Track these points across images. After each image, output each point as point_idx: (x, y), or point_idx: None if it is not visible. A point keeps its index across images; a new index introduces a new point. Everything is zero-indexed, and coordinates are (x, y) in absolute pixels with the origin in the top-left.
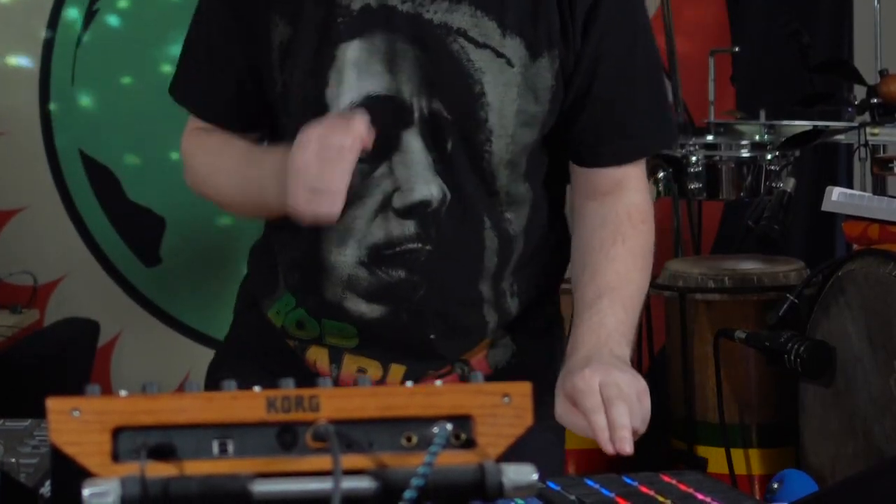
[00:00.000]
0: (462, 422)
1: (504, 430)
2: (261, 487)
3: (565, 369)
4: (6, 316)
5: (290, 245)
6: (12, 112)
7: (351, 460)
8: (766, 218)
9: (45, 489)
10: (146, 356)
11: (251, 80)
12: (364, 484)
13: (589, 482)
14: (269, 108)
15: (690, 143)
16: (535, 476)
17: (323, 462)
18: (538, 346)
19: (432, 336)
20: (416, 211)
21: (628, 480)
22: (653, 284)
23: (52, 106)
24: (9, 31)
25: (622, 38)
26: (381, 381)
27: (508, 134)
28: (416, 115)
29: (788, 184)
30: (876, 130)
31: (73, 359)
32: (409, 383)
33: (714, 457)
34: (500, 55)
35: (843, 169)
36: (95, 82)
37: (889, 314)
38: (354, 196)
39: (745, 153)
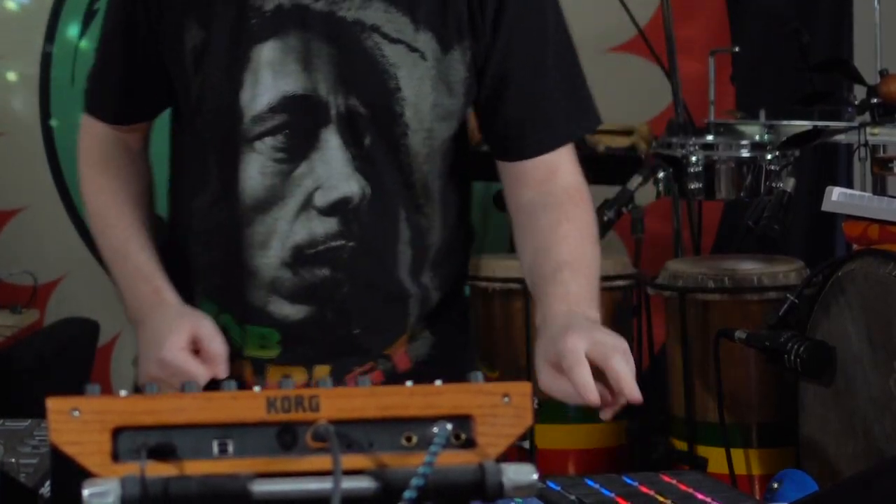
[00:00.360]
0: (462, 422)
1: (504, 429)
2: (260, 487)
3: (544, 338)
4: (6, 316)
5: (206, 249)
6: (12, 113)
7: (351, 460)
8: (766, 218)
9: (45, 489)
10: None
11: (149, 82)
12: (364, 484)
13: (589, 482)
14: (160, 105)
15: (690, 143)
16: (535, 476)
17: (323, 462)
18: (456, 338)
19: (356, 331)
20: (338, 208)
21: (628, 480)
22: (653, 284)
23: (52, 92)
24: (9, 36)
25: (533, 28)
26: (307, 385)
27: (425, 128)
28: (333, 112)
29: (788, 184)
30: (876, 130)
31: (73, 359)
32: (409, 383)
33: (714, 457)
34: (413, 49)
35: (843, 169)
36: None
37: (889, 314)
38: (276, 197)
39: (745, 153)
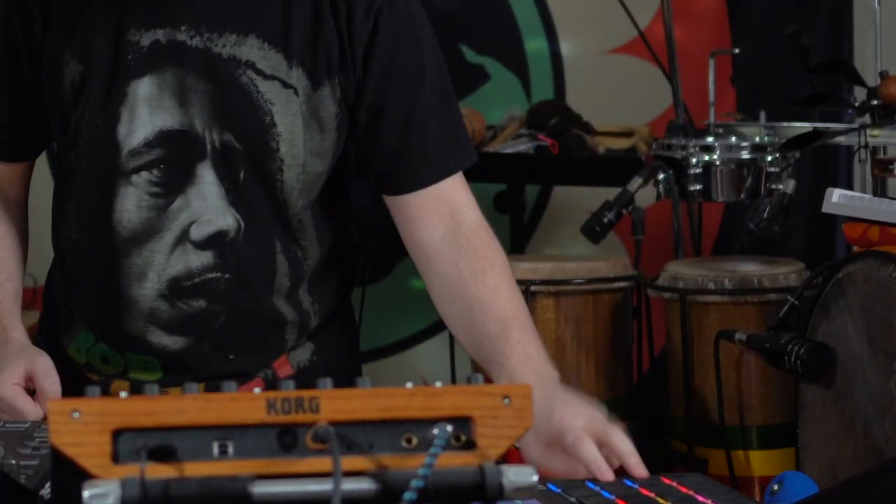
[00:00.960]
0: (462, 423)
1: (504, 431)
2: (261, 489)
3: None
4: None
5: (83, 280)
6: None
7: (351, 462)
8: (767, 219)
9: (46, 491)
10: None
11: (32, 115)
12: (364, 485)
13: (589, 484)
14: (43, 140)
15: (690, 144)
16: (535, 478)
17: (323, 463)
18: (337, 343)
19: (232, 357)
20: (214, 241)
21: (629, 483)
22: (653, 286)
23: None
24: None
25: (408, 60)
26: None
27: (299, 163)
28: (209, 147)
29: (788, 185)
30: (876, 132)
31: None
32: (409, 384)
33: (714, 458)
34: (287, 86)
35: (843, 170)
36: None
37: (889, 316)
38: (152, 230)
39: (745, 155)
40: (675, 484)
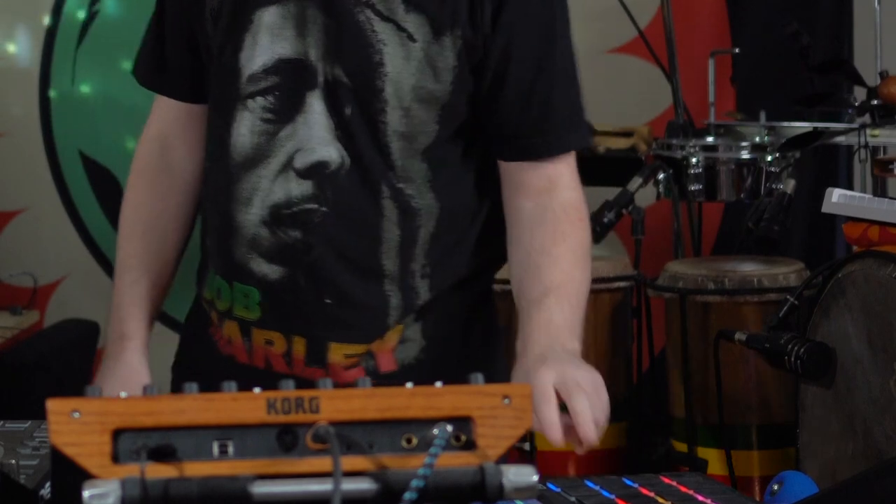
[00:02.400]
0: (462, 423)
1: (504, 431)
2: (261, 489)
3: (517, 369)
4: (6, 317)
5: (209, 209)
6: (12, 113)
7: (351, 462)
8: (766, 219)
9: (45, 491)
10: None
11: (194, 54)
12: (364, 485)
13: (589, 484)
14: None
15: (690, 144)
16: (535, 477)
17: (323, 463)
18: (451, 345)
19: (328, 301)
20: (315, 171)
21: (628, 482)
22: (653, 286)
23: (52, 93)
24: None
25: (538, 30)
26: (287, 355)
27: (403, 106)
28: (321, 79)
29: (788, 185)
30: (876, 132)
31: (73, 360)
32: (409, 384)
33: (714, 458)
34: (401, 29)
35: (843, 170)
36: (96, 72)
37: (889, 316)
38: (261, 156)
39: (745, 154)
40: (675, 483)
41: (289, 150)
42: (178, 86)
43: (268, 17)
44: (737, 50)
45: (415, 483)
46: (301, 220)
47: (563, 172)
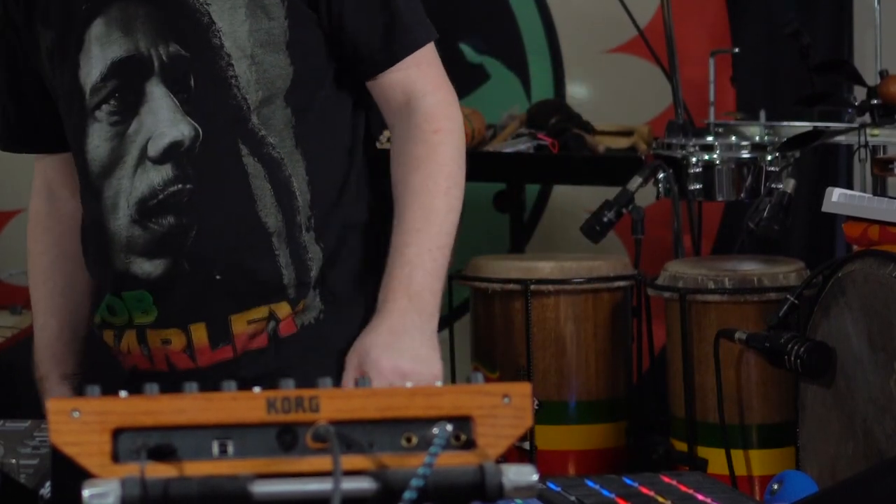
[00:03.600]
0: (462, 422)
1: (504, 430)
2: (261, 488)
3: (362, 338)
4: (6, 316)
5: (85, 232)
6: None
7: (351, 461)
8: (766, 219)
9: (46, 490)
10: None
11: (47, 102)
12: (364, 484)
13: (589, 483)
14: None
15: (690, 143)
16: (535, 477)
17: (323, 463)
18: (348, 301)
19: (218, 277)
20: (170, 154)
21: (628, 481)
22: (653, 285)
23: None
24: None
25: None
26: (188, 348)
27: (247, 55)
28: (157, 63)
29: (788, 185)
30: (876, 131)
31: None
32: (408, 384)
33: (714, 457)
34: None
35: (843, 170)
36: None
37: (889, 315)
38: (116, 159)
39: (745, 154)
40: (675, 482)
41: (140, 142)
42: (42, 141)
43: (95, 30)
44: (737, 50)
45: (415, 482)
46: (170, 204)
47: (416, 78)
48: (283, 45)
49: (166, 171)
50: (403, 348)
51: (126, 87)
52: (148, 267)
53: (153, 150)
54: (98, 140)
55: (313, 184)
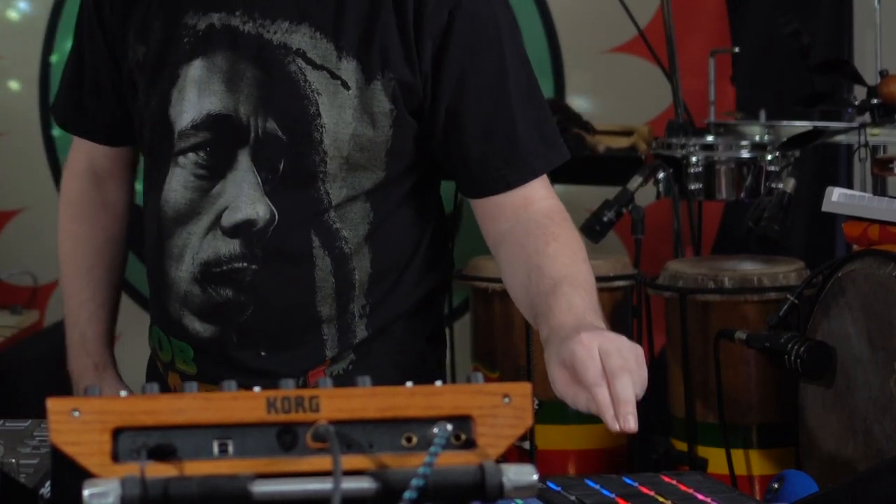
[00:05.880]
0: (462, 422)
1: (504, 430)
2: (261, 488)
3: (556, 340)
4: (6, 316)
5: (147, 260)
6: (13, 114)
7: (351, 461)
8: (766, 218)
9: (45, 489)
10: (146, 356)
11: (116, 99)
12: (364, 484)
13: (589, 482)
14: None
15: (690, 143)
16: (535, 476)
17: (323, 462)
18: (379, 366)
19: (263, 353)
20: (241, 230)
21: (628, 481)
22: (653, 285)
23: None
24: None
25: (489, 59)
26: None
27: (342, 156)
28: (252, 134)
29: (788, 184)
30: (876, 131)
31: None
32: (409, 384)
33: (714, 457)
34: (335, 77)
35: (843, 169)
36: None
37: (889, 315)
38: (193, 212)
39: (745, 154)
40: (675, 482)
41: (218, 207)
42: (96, 131)
43: (194, 71)
44: (737, 49)
45: (415, 482)
46: (231, 278)
47: (536, 188)
48: (382, 154)
49: (234, 245)
50: (600, 329)
51: (219, 145)
52: (199, 326)
53: (226, 221)
54: (178, 185)
55: (374, 275)
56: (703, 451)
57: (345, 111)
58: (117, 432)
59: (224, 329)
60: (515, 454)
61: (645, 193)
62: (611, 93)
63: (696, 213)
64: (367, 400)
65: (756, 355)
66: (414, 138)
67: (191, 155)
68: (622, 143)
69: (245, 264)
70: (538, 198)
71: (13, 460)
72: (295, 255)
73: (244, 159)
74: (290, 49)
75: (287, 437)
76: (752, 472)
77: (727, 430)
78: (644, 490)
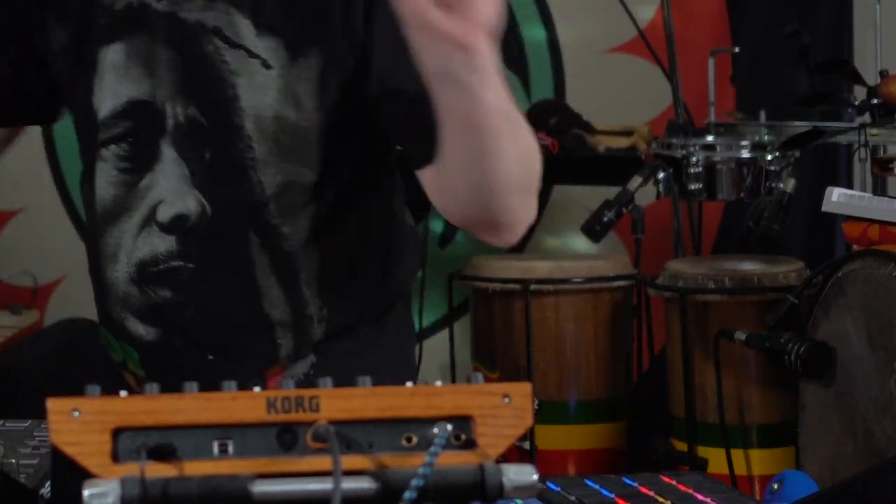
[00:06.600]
0: (462, 422)
1: (504, 430)
2: (261, 488)
3: None
4: (6, 316)
5: (88, 263)
6: None
7: (351, 461)
8: (766, 218)
9: (46, 490)
10: None
11: (23, 80)
12: (364, 484)
13: (589, 483)
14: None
15: (690, 143)
16: (535, 477)
17: (323, 462)
18: (343, 365)
19: (210, 358)
20: (176, 226)
21: (628, 481)
22: (652, 285)
23: None
24: None
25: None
26: None
27: (269, 142)
28: (171, 122)
29: (788, 184)
30: (876, 131)
31: (73, 360)
32: (408, 384)
33: (714, 457)
34: (253, 55)
35: (843, 169)
36: None
37: (889, 315)
38: (121, 210)
39: (745, 154)
40: (674, 482)
41: (150, 202)
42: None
43: (112, 55)
44: (737, 49)
45: (415, 482)
46: (168, 278)
47: None
48: (314, 140)
49: (171, 242)
50: None
51: (141, 135)
52: (141, 329)
53: (162, 216)
54: (102, 181)
55: (327, 277)
56: (703, 451)
57: (266, 93)
58: (117, 432)
59: (166, 331)
60: (515, 454)
61: (645, 193)
62: (611, 92)
63: (697, 212)
64: (367, 400)
65: (756, 355)
66: (352, 121)
67: (112, 147)
68: (622, 143)
69: (182, 263)
70: None
71: (13, 460)
72: (231, 253)
73: (168, 149)
74: (205, 28)
75: (287, 437)
76: (753, 472)
77: (727, 430)
78: (644, 490)
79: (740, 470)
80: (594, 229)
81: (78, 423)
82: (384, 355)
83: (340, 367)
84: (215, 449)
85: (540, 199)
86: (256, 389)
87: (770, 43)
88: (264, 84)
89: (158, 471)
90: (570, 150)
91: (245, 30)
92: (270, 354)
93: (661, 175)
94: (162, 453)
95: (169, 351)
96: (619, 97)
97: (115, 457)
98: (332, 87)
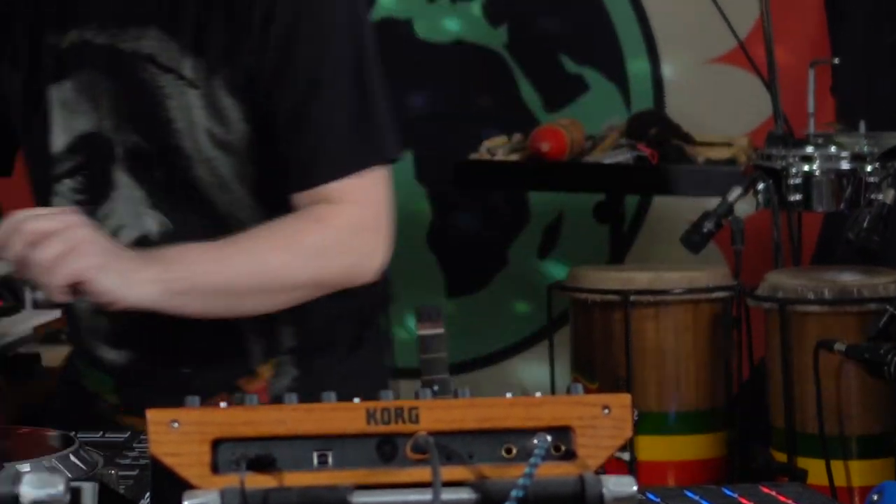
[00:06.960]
0: (562, 433)
1: (604, 441)
2: (360, 499)
3: None
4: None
5: None
6: None
7: (450, 472)
8: (866, 229)
9: (145, 501)
10: None
11: None
12: (464, 495)
13: (689, 493)
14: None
15: (790, 154)
16: (634, 488)
17: (422, 473)
18: (329, 372)
19: (186, 371)
20: (138, 248)
21: (728, 492)
22: (753, 296)
23: None
24: None
25: (305, 49)
26: None
27: (205, 158)
28: (120, 150)
29: (888, 195)
30: None
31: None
32: (508, 394)
33: (814, 468)
34: (181, 77)
35: None
36: None
37: None
38: None
39: (844, 165)
40: (774, 493)
41: (110, 229)
42: None
43: (61, 92)
44: (836, 60)
45: (515, 493)
46: None
47: (347, 190)
48: (246, 155)
49: None
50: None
51: (93, 167)
52: (112, 355)
53: (125, 241)
54: None
55: None
56: (802, 461)
57: (192, 112)
58: (217, 443)
59: (138, 354)
60: (615, 465)
61: (744, 204)
62: (710, 103)
63: (796, 224)
64: (466, 411)
65: (855, 366)
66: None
67: (66, 181)
68: (722, 154)
69: None
70: (347, 202)
71: (112, 472)
72: None
73: (121, 176)
74: (140, 56)
75: (387, 448)
76: (852, 483)
77: (827, 440)
78: (744, 501)
79: (840, 481)
80: (694, 240)
81: (177, 433)
82: (364, 366)
83: (322, 380)
84: (315, 460)
85: (639, 210)
86: (356, 401)
87: (870, 53)
88: (192, 103)
89: (258, 482)
90: (669, 161)
91: (175, 53)
92: (243, 361)
93: (760, 186)
94: (261, 464)
95: (143, 373)
96: (719, 108)
97: (215, 468)
98: (251, 97)
